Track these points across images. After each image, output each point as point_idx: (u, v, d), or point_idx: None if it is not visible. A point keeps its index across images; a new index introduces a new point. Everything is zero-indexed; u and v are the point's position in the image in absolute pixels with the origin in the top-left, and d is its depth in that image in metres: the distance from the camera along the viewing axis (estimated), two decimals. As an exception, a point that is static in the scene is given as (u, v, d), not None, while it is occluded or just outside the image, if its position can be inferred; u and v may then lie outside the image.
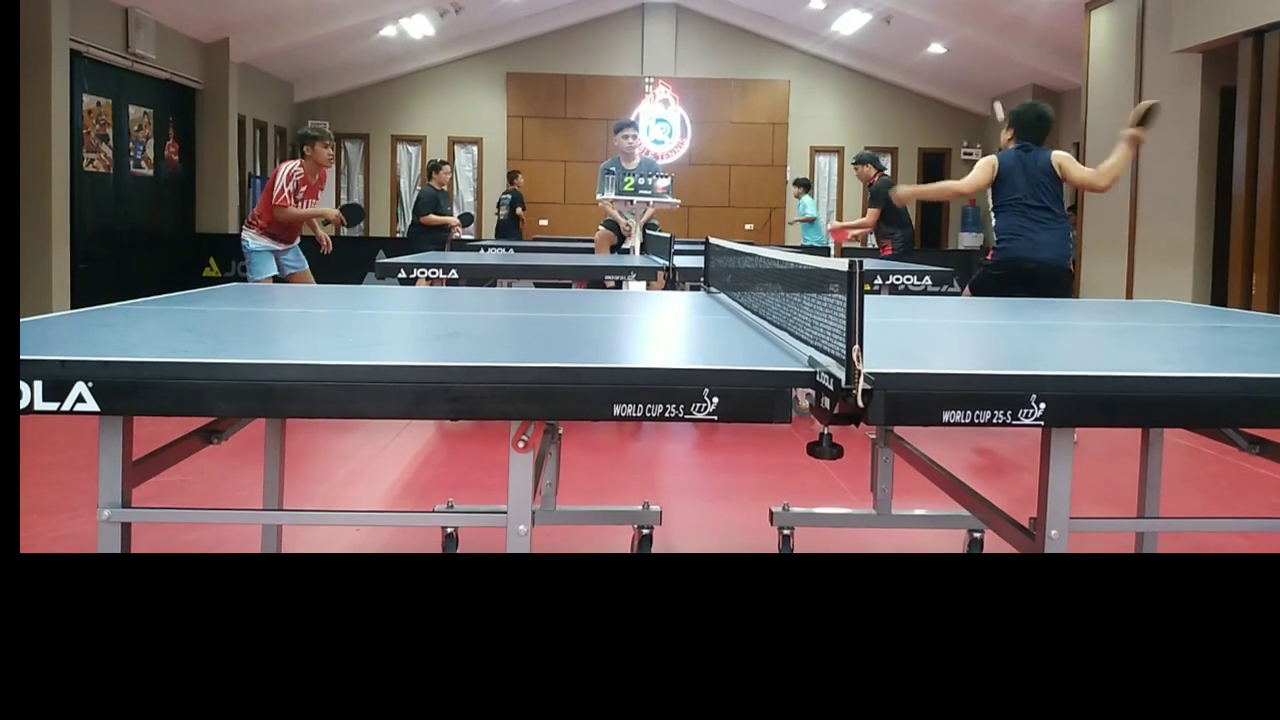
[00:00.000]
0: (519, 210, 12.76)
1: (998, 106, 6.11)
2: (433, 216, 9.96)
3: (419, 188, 12.18)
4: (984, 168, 5.31)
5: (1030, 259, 5.08)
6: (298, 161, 6.37)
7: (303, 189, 6.34)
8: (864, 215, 8.41)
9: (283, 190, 6.22)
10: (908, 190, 5.34)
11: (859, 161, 8.49)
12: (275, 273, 6.40)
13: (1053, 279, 5.02)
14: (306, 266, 6.59)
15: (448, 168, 10.54)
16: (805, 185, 12.80)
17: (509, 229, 12.53)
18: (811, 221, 12.35)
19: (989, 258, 5.34)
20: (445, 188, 10.28)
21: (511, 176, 13.50)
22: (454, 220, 10.16)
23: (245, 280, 7.40)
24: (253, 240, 6.38)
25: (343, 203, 6.81)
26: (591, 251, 8.12)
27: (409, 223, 11.26)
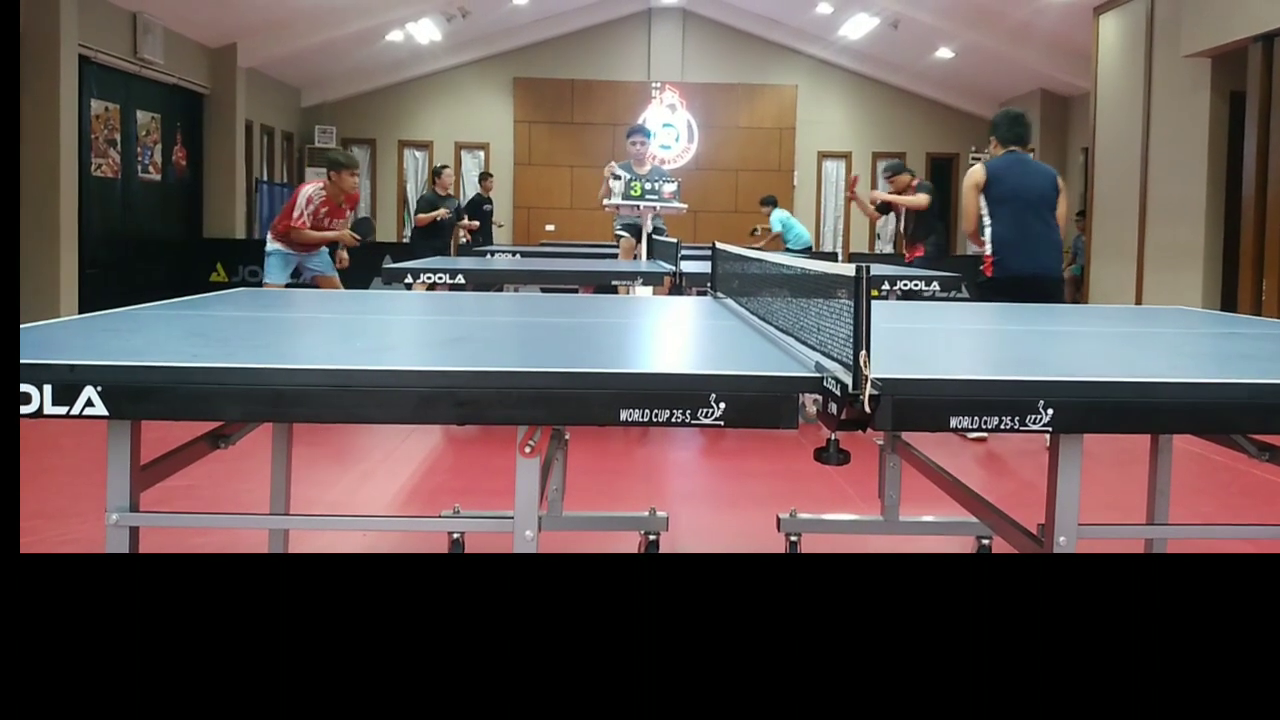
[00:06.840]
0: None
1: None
2: (421, 216, 10.00)
3: (422, 193, 12.10)
4: (969, 191, 5.19)
5: (1029, 272, 5.03)
6: (320, 184, 6.45)
7: (324, 209, 6.42)
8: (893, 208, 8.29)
9: (301, 214, 6.34)
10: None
11: (896, 171, 8.42)
12: (286, 280, 6.54)
13: (1049, 289, 5.00)
14: (333, 273, 6.70)
15: (449, 171, 10.56)
16: (773, 202, 12.56)
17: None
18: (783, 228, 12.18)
19: (988, 272, 5.16)
20: (447, 192, 10.28)
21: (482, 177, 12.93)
22: (442, 210, 9.98)
23: (253, 285, 7.52)
24: (270, 244, 6.55)
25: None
26: (595, 256, 8.04)
27: (412, 229, 11.23)
